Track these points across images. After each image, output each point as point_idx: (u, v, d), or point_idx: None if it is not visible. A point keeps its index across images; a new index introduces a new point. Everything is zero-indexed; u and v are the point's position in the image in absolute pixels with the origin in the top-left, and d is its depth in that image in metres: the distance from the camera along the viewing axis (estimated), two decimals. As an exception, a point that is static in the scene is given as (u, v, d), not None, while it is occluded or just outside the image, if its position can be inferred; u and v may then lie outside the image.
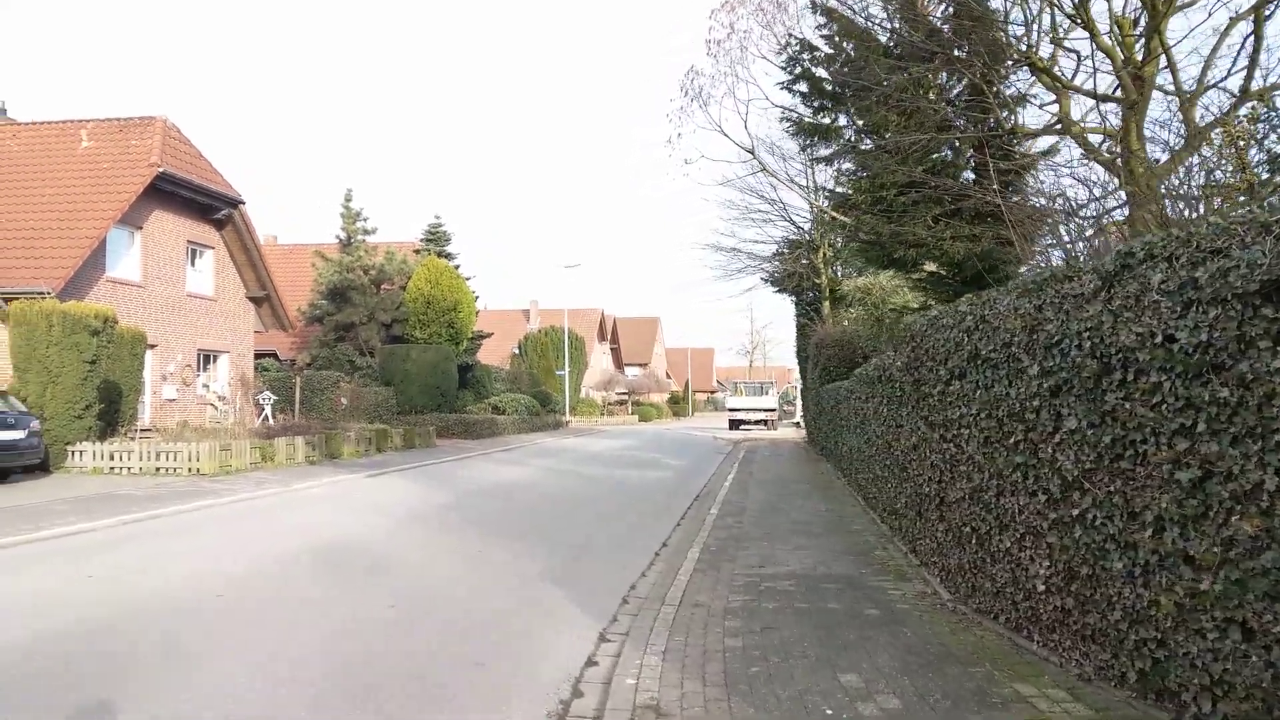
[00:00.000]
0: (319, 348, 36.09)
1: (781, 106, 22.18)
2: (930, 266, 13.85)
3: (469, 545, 10.15)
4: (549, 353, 54.61)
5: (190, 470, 16.91)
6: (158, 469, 16.98)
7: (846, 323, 23.30)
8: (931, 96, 12.43)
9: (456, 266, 39.42)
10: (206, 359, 26.61)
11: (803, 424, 48.02)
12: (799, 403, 50.84)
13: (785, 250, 27.14)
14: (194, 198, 24.57)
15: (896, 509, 9.53)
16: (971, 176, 12.86)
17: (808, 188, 26.12)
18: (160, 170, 22.38)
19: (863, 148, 12.77)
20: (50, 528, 10.81)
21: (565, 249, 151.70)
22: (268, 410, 27.36)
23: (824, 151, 14.68)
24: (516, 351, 58.08)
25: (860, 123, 13.20)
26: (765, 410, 44.68)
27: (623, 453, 26.29)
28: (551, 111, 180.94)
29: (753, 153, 22.33)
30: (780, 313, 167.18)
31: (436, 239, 40.75)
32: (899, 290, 16.94)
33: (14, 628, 6.44)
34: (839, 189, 15.44)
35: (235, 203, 26.17)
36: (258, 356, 37.00)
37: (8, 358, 17.12)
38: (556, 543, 10.34)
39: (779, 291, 28.33)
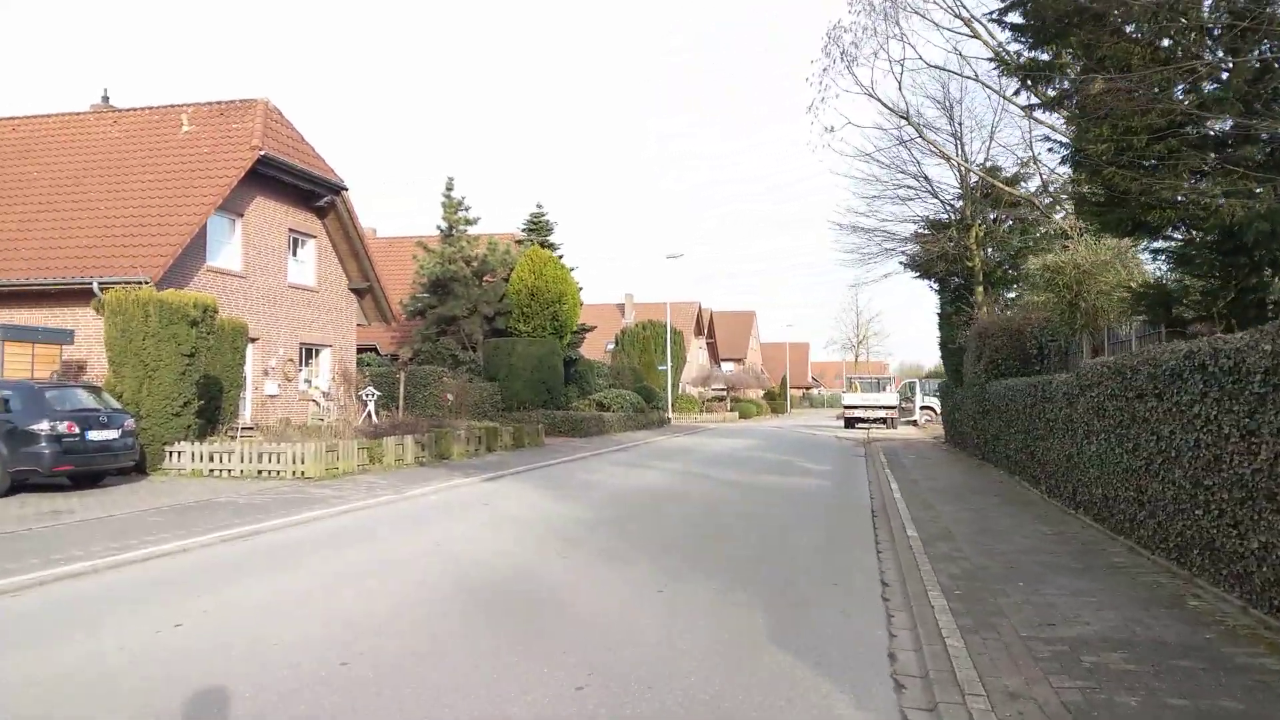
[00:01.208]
0: (421, 342, 34.85)
1: (937, 67, 19.50)
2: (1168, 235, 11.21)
3: (644, 579, 8.04)
4: (650, 347, 52.62)
5: (295, 473, 15.37)
6: (260, 471, 15.49)
7: (1010, 310, 20.43)
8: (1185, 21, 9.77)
9: (560, 257, 37.74)
10: (309, 353, 25.42)
11: (927, 422, 44.90)
12: (919, 399, 47.62)
13: (928, 231, 24.35)
14: (296, 183, 23.31)
15: (1218, 545, 7.01)
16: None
17: (957, 161, 23.36)
18: (262, 153, 21.11)
19: (1095, 90, 10.14)
20: (140, 547, 9.16)
21: (659, 241, 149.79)
22: (371, 407, 26.05)
23: (1035, 101, 12.09)
24: (614, 346, 56.30)
25: (1089, 60, 10.61)
26: (885, 407, 41.69)
27: (750, 454, 23.99)
28: (646, 99, 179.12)
29: (907, 117, 19.77)
30: (889, 303, 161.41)
31: (539, 228, 39.14)
32: (1109, 268, 14.14)
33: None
34: (1064, 141, 12.77)
35: (338, 188, 24.87)
36: (358, 351, 36.15)
37: (103, 352, 15.89)
38: (747, 576, 8.16)
39: (919, 277, 25.56)
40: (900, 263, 25.59)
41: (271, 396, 22.75)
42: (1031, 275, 15.84)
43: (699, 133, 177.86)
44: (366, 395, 26.01)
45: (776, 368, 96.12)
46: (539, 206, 39.77)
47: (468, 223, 36.09)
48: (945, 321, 24.72)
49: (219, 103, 22.87)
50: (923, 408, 48.01)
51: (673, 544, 9.88)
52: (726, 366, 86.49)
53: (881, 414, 41.76)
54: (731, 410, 67.15)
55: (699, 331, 77.42)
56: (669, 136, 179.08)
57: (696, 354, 76.66)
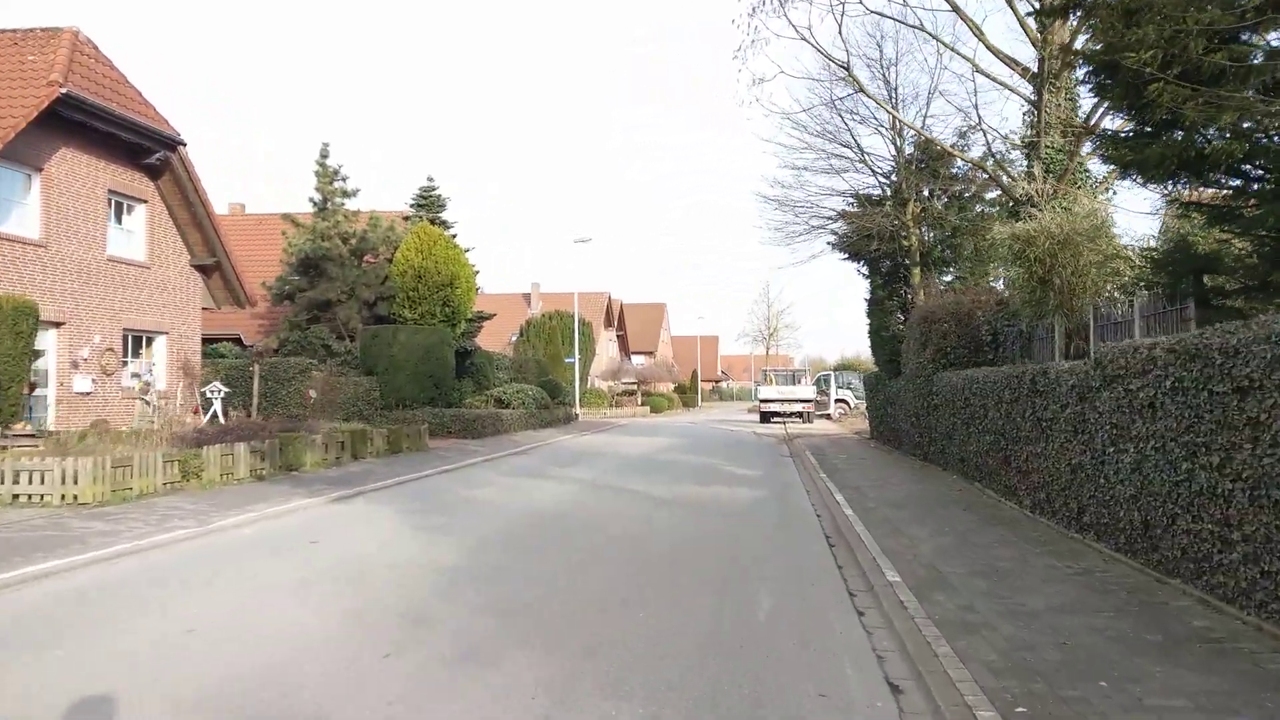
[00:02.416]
0: (288, 330, 30.72)
1: (877, 13, 16.92)
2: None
3: (519, 711, 4.85)
4: (557, 338, 49.27)
5: (65, 497, 11.59)
6: (15, 496, 11.64)
7: (948, 293, 18.01)
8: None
9: (453, 236, 34.09)
10: (137, 342, 21.26)
11: (841, 415, 42.72)
12: (833, 392, 45.65)
13: (859, 208, 21.82)
14: (116, 134, 19.13)
15: None
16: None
17: (894, 116, 20.84)
18: (63, 91, 16.97)
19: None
20: None
21: (565, 230, 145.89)
22: (217, 406, 22.09)
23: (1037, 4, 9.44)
24: (518, 337, 52.73)
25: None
26: (802, 401, 39.44)
27: (668, 457, 21.01)
28: (548, 89, 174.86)
29: (847, 68, 17.06)
30: (798, 294, 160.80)
31: (429, 204, 35.34)
32: (1096, 236, 11.66)
33: None
34: (1085, 49, 10.09)
35: (172, 143, 20.75)
36: (214, 340, 31.87)
37: None
38: (686, 686, 5.06)
39: (848, 259, 23.07)
40: (828, 242, 23.06)
41: (84, 394, 18.61)
42: (998, 247, 13.28)
43: (664, 123, 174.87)
44: (212, 392, 22.07)
45: (687, 361, 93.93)
46: (430, 180, 36.02)
47: (345, 195, 32.04)
48: (877, 307, 22.29)
49: (14, 30, 18.56)
50: (837, 401, 46.11)
51: (572, 617, 6.72)
52: (637, 360, 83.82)
53: (798, 408, 39.51)
54: (642, 405, 64.38)
55: (609, 323, 74.41)
56: (634, 127, 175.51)
57: (606, 346, 73.67)
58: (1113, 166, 8.53)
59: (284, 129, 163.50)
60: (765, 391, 39.88)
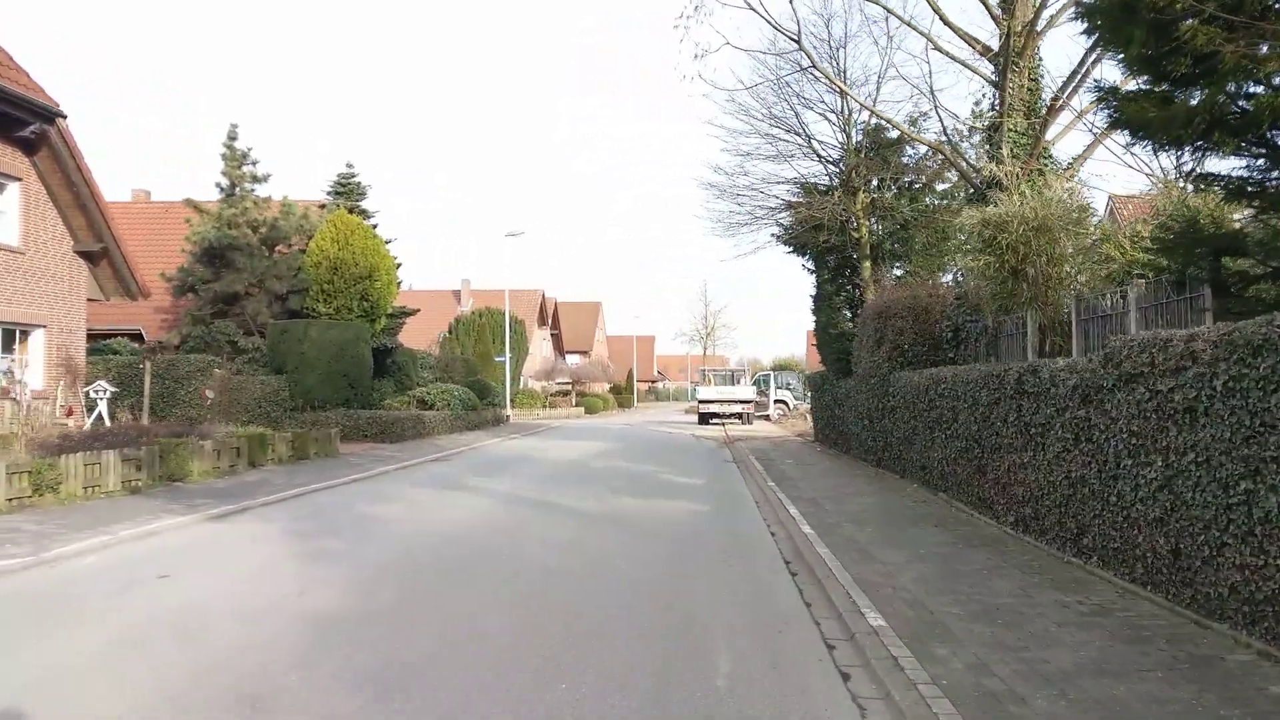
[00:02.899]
0: (191, 325, 28.32)
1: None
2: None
3: None
4: (486, 336, 47.27)
5: None
6: None
7: (909, 287, 16.83)
8: None
9: (374, 226, 31.98)
10: (9, 336, 18.86)
11: (781, 416, 41.59)
12: (773, 392, 44.68)
13: (805, 198, 20.57)
14: (-25, 99, 16.80)
15: None
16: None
17: (847, 93, 19.65)
18: (-98, 44, 14.64)
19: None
20: None
21: (503, 225, 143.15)
22: (102, 407, 19.86)
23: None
24: (447, 335, 50.55)
25: None
26: (741, 402, 38.26)
27: (602, 464, 19.41)
28: (493, 79, 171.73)
29: (798, 41, 15.75)
30: (735, 294, 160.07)
31: (348, 192, 33.15)
32: (1082, 217, 10.52)
33: None
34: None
35: (49, 114, 18.41)
36: (108, 336, 29.30)
37: None
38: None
39: (793, 252, 21.81)
40: (773, 234, 21.76)
41: (-68, 394, 16.24)
42: (964, 235, 12.06)
43: (611, 114, 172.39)
44: (96, 392, 19.83)
45: (622, 361, 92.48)
46: (349, 166, 33.75)
47: (255, 180, 29.68)
48: (824, 303, 21.07)
49: None
50: (776, 402, 45.17)
51: (470, 691, 5.11)
52: (572, 359, 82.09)
53: (737, 409, 38.32)
54: (577, 405, 62.69)
55: (543, 322, 72.53)
56: (581, 119, 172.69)
57: (540, 345, 71.79)
58: (1123, 129, 7.30)
59: (212, 115, 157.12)
60: (704, 392, 38.61)
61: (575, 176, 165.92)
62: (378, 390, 31.49)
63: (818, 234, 20.34)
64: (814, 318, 22.12)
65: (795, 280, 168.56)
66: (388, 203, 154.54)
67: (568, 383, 70.64)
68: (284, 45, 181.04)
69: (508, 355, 44.38)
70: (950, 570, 7.80)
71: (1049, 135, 14.30)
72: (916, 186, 20.16)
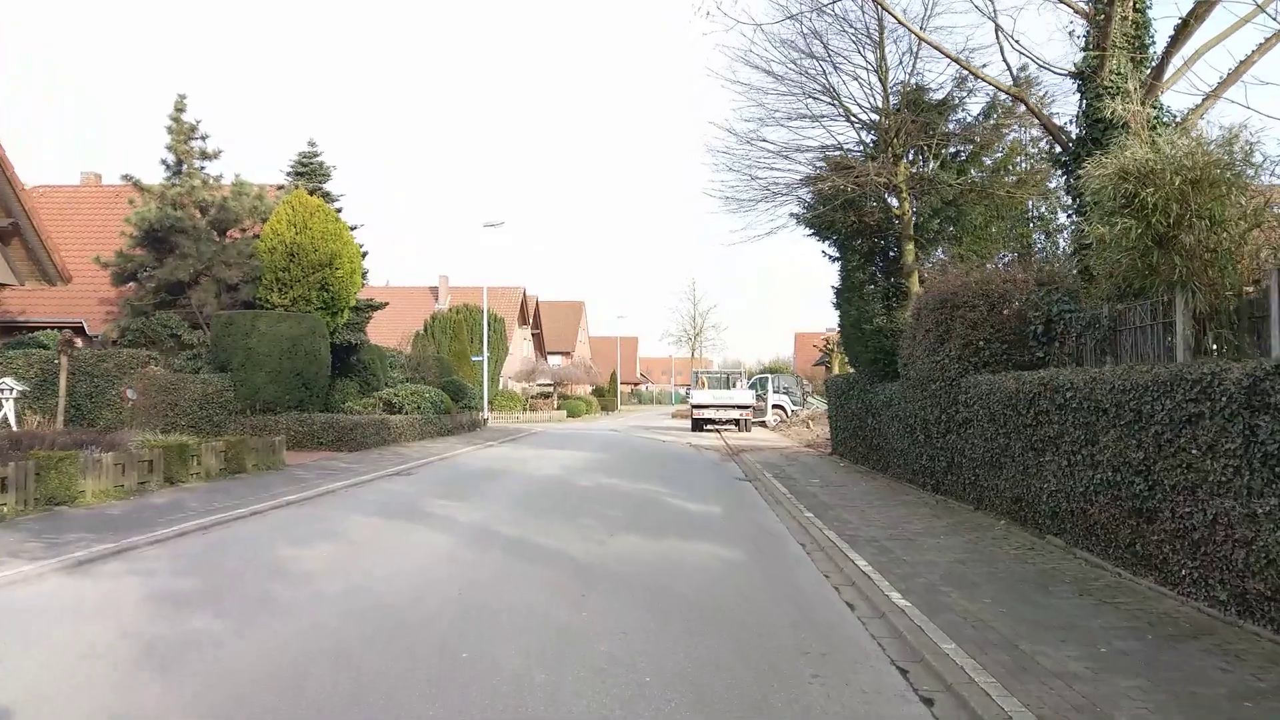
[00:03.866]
0: (131, 316, 25.05)
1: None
2: None
3: None
4: (463, 334, 44.05)
5: None
6: None
7: (967, 270, 13.85)
8: None
9: (338, 210, 28.79)
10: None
11: (779, 423, 38.40)
12: (770, 397, 41.80)
13: (832, 171, 17.60)
14: None
15: None
16: None
17: (876, 70, 16.78)
18: None
19: None
20: None
21: (477, 219, 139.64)
22: (8, 409, 16.84)
23: None
24: (421, 333, 47.29)
25: None
26: (740, 407, 35.28)
27: (592, 481, 16.27)
28: (457, 63, 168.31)
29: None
30: (725, 291, 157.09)
31: (309, 172, 29.92)
32: (1246, 163, 7.65)
33: None
34: None
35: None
36: (38, 328, 26.13)
37: None
38: None
39: (814, 235, 18.86)
40: (792, 214, 18.75)
41: None
42: (1098, 193, 9.11)
43: (595, 102, 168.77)
44: (1, 391, 16.87)
45: (605, 363, 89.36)
46: (311, 145, 30.48)
47: (205, 156, 26.40)
48: (853, 295, 18.11)
49: None
50: (774, 407, 42.27)
51: None
52: (554, 360, 79.02)
53: (735, 415, 35.35)
54: (559, 409, 59.58)
55: (523, 320, 69.35)
56: (563, 108, 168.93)
57: (521, 345, 68.64)
58: None
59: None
60: (699, 396, 35.55)
61: (559, 171, 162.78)
62: (339, 391, 28.30)
63: (845, 213, 17.40)
64: (839, 311, 19.16)
65: (786, 277, 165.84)
66: (358, 194, 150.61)
67: (549, 384, 67.50)
68: (247, 27, 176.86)
69: (485, 355, 41.24)
70: (1190, 699, 4.81)
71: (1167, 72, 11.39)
72: (962, 157, 17.25)
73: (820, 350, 43.36)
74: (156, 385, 20.70)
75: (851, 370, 19.28)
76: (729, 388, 38.69)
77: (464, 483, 15.98)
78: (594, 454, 23.47)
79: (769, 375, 44.38)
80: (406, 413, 27.55)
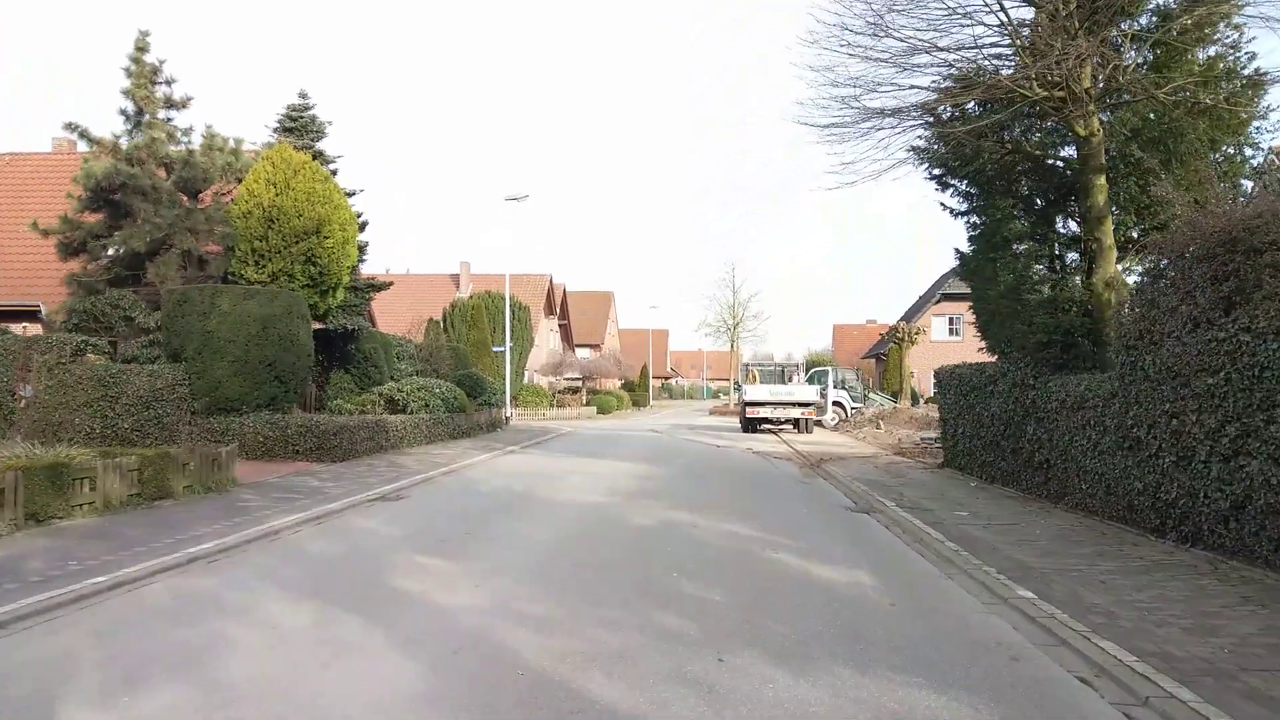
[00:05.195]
0: (81, 294, 20.71)
1: None
2: None
3: None
4: (483, 322, 39.51)
5: None
6: None
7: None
8: None
9: (333, 172, 24.34)
10: None
11: (839, 422, 33.02)
12: (830, 393, 36.89)
13: (971, 84, 12.69)
14: None
15: None
16: None
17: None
18: None
19: None
20: None
21: (502, 202, 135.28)
22: None
23: None
24: (433, 321, 42.84)
25: None
26: (801, 405, 30.40)
27: (650, 516, 11.45)
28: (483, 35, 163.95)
29: None
30: (771, 277, 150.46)
31: (300, 128, 25.48)
32: None
33: None
34: None
35: None
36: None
37: None
38: None
39: (941, 176, 14.04)
40: (913, 148, 13.86)
41: None
42: None
43: (618, 85, 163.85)
44: None
45: (634, 356, 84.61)
46: (302, 97, 25.99)
47: (172, 105, 21.95)
48: (1004, 254, 13.25)
49: None
50: (834, 404, 37.34)
51: None
52: (581, 354, 74.53)
53: (796, 413, 30.48)
54: (587, 404, 55.03)
55: (550, 311, 64.80)
56: (586, 96, 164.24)
57: (547, 337, 64.12)
58: None
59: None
60: (753, 392, 30.65)
61: (585, 158, 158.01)
62: (334, 386, 23.88)
63: (994, 140, 12.54)
64: (971, 281, 14.34)
65: (818, 261, 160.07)
66: (371, 175, 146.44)
67: (577, 378, 62.96)
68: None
69: (508, 345, 36.66)
70: None
71: None
72: (1156, 53, 12.27)
73: (884, 337, 38.21)
74: (90, 379, 16.28)
75: (991, 358, 14.42)
76: (784, 381, 33.84)
77: (467, 519, 11.32)
78: (642, 466, 18.73)
79: (828, 368, 39.34)
80: (412, 411, 23.04)
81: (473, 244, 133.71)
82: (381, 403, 23.14)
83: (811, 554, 8.94)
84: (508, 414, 35.14)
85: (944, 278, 65.06)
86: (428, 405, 23.61)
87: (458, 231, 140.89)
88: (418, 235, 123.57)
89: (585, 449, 23.62)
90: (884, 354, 56.92)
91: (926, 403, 39.02)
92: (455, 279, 62.18)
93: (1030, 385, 12.48)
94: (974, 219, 14.03)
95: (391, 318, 45.36)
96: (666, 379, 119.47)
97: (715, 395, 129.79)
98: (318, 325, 24.35)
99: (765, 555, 8.85)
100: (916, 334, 36.34)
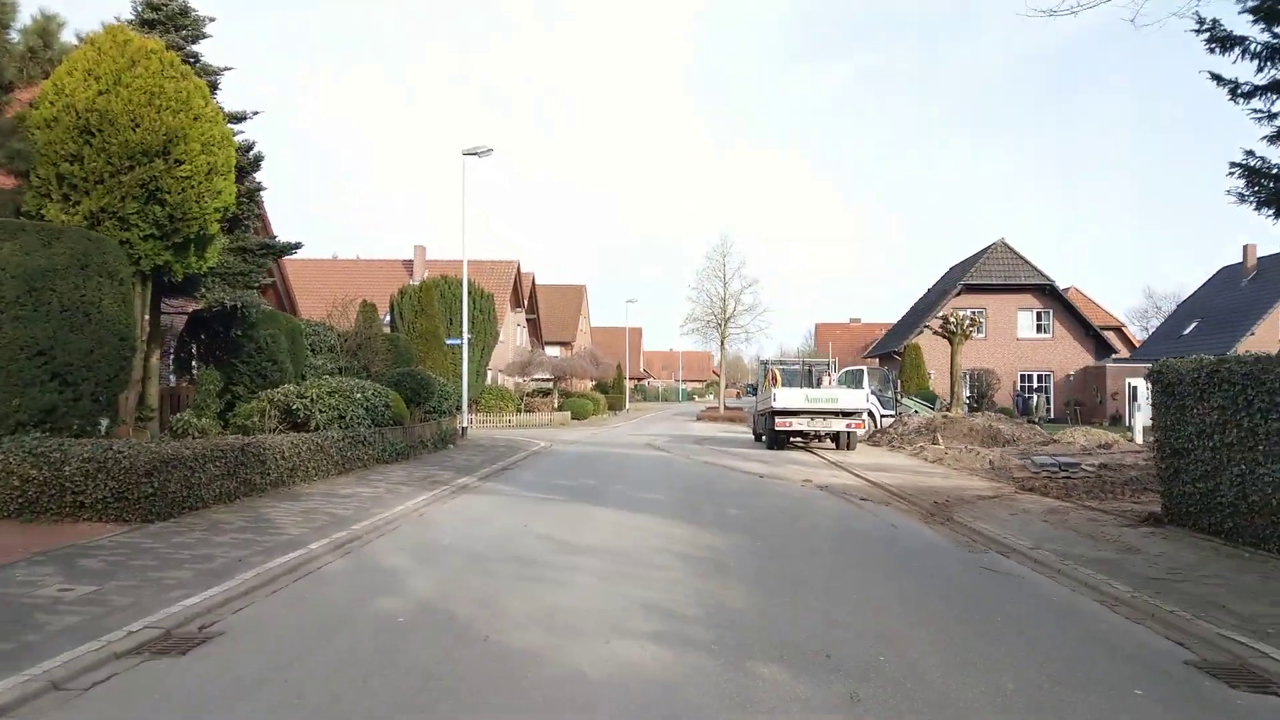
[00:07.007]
0: None
1: None
2: None
3: None
4: (435, 310, 32.03)
5: None
6: None
7: None
8: None
9: (211, 86, 16.85)
10: None
11: (874, 434, 25.23)
12: (879, 395, 30.00)
13: None
14: None
15: None
16: None
17: None
18: None
19: None
20: None
21: (473, 194, 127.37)
22: None
23: None
24: (390, 314, 35.37)
25: None
26: (846, 415, 23.43)
27: (781, 682, 4.41)
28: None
29: None
30: (767, 264, 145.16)
31: (165, 21, 17.90)
32: None
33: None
34: None
35: None
36: None
37: None
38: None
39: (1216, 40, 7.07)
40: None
41: None
42: None
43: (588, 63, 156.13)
44: None
45: (608, 356, 77.31)
46: (172, -20, 18.45)
47: (-49, -34, 14.38)
48: None
49: None
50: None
51: None
52: (551, 352, 67.22)
53: (840, 425, 23.53)
54: (560, 409, 47.74)
55: (517, 303, 57.35)
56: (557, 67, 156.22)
57: (514, 332, 56.69)
58: None
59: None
60: (786, 398, 23.51)
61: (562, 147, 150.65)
62: (202, 389, 16.48)
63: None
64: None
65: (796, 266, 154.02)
66: (319, 152, 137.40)
67: (548, 379, 55.64)
68: None
69: (466, 337, 29.25)
70: None
71: None
72: None
73: (938, 328, 31.26)
74: None
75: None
76: (814, 384, 26.95)
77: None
78: (679, 525, 11.46)
79: (862, 368, 32.28)
80: (317, 427, 15.71)
81: (431, 228, 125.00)
82: (275, 414, 15.78)
83: None
84: (464, 423, 27.82)
85: (955, 269, 58.73)
86: (343, 417, 16.29)
87: (416, 217, 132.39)
88: (375, 223, 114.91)
89: (574, 484, 16.42)
90: (897, 352, 50.29)
91: (985, 411, 32.24)
92: (409, 265, 54.57)
93: None
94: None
95: (323, 314, 37.81)
96: (640, 379, 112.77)
97: (690, 398, 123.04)
98: (178, 300, 16.91)
99: None
100: (969, 326, 29.52)
